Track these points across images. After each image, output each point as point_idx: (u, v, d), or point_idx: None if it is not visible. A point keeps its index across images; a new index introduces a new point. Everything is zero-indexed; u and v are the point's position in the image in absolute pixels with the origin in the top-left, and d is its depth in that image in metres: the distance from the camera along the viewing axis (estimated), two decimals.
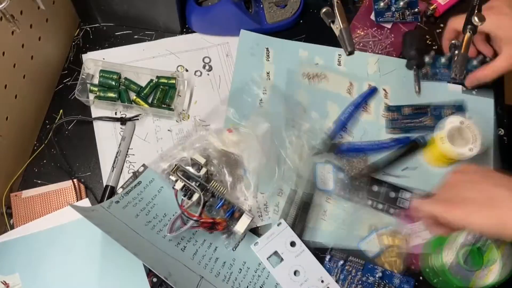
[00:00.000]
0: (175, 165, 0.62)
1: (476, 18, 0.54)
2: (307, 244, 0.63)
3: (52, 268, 0.61)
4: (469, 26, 0.55)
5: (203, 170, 0.62)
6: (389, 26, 0.76)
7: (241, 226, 0.61)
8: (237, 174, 0.66)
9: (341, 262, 0.62)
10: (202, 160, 0.62)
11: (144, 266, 0.61)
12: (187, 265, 0.60)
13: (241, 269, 0.62)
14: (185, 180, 0.61)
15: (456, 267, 0.57)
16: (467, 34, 0.56)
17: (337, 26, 0.44)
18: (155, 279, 0.61)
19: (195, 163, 0.63)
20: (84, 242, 0.62)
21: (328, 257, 0.63)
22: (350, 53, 0.41)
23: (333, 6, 0.44)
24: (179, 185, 0.61)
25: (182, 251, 0.62)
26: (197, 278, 0.59)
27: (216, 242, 0.63)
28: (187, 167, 0.62)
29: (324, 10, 0.44)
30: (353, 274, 0.62)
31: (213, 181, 0.63)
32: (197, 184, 0.61)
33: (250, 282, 0.62)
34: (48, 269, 0.61)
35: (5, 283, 0.60)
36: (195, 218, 0.59)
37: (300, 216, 0.65)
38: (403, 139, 0.68)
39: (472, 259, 0.58)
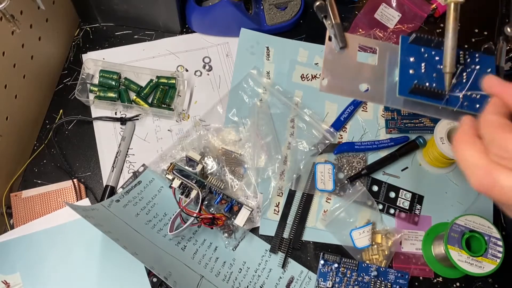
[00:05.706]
0: (171, 163, 0.62)
1: (508, 29, 0.53)
2: (307, 244, 0.64)
3: (53, 267, 0.61)
4: (501, 37, 0.54)
5: (199, 167, 0.62)
6: (391, 27, 0.76)
7: (240, 219, 0.60)
8: (238, 172, 0.66)
9: (335, 265, 0.62)
10: (197, 157, 0.62)
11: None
12: (188, 265, 0.60)
13: (241, 269, 0.62)
14: (182, 177, 0.61)
15: (458, 254, 0.57)
16: (500, 44, 0.55)
17: (329, 22, 0.44)
18: (155, 279, 0.61)
19: (190, 160, 0.63)
20: (85, 242, 0.62)
21: (321, 262, 0.62)
22: (342, 48, 0.42)
23: (326, 0, 0.44)
24: (176, 183, 0.61)
25: (183, 250, 0.62)
26: (197, 278, 0.59)
27: (217, 242, 0.64)
28: (183, 165, 0.62)
29: (317, 3, 0.44)
30: (348, 276, 0.62)
31: (209, 177, 0.63)
32: (194, 181, 0.61)
33: (250, 282, 0.62)
34: (49, 268, 0.61)
35: (6, 283, 0.60)
36: (194, 215, 0.59)
37: (300, 216, 0.65)
38: (402, 139, 0.69)
39: (475, 245, 0.58)
